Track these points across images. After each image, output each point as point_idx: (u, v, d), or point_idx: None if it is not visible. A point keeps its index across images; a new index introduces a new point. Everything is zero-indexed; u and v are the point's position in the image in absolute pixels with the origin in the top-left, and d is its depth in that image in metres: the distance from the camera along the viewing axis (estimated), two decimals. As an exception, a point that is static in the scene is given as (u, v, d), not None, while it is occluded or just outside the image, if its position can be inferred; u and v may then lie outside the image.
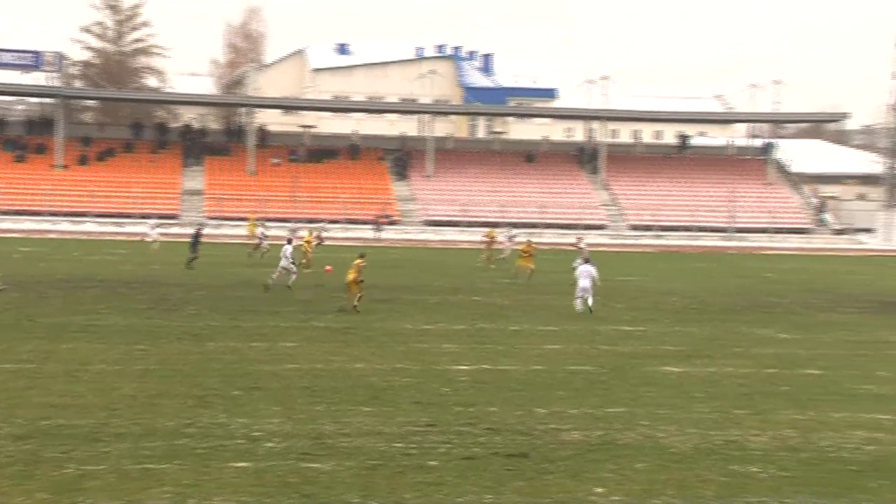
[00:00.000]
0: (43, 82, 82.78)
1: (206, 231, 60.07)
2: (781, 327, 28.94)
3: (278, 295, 32.80)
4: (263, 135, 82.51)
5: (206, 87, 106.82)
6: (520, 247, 39.82)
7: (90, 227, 68.04)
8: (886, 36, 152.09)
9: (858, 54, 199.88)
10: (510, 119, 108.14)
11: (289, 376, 19.84)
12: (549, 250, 50.39)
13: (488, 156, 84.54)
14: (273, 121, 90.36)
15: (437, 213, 76.03)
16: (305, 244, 42.57)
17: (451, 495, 13.05)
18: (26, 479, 13.07)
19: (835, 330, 28.81)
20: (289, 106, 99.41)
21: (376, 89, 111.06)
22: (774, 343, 26.14)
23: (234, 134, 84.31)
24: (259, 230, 48.75)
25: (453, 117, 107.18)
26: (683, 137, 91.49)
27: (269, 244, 46.44)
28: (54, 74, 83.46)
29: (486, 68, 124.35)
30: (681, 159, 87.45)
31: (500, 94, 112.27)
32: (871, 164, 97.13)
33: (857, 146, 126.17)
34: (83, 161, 77.45)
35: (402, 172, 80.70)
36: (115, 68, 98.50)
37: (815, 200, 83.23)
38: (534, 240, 44.43)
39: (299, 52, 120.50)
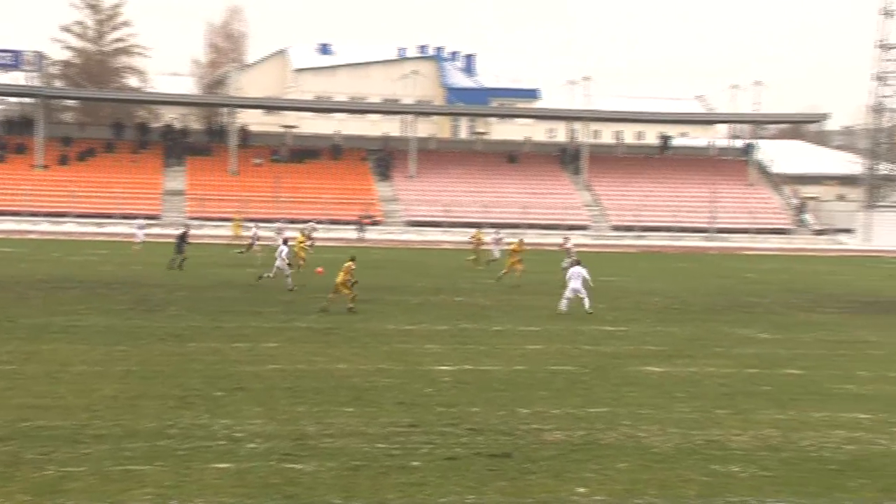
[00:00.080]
0: (23, 82, 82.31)
1: (194, 231, 60.07)
2: (762, 327, 29.08)
3: (260, 295, 32.72)
4: (245, 135, 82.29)
5: (188, 87, 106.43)
6: (510, 247, 39.65)
7: (71, 227, 67.71)
8: (866, 37, 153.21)
9: (838, 55, 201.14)
10: (492, 119, 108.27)
11: (271, 377, 19.79)
12: (532, 250, 50.38)
13: (471, 156, 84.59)
14: (255, 121, 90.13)
15: (420, 213, 76.03)
16: (298, 245, 42.33)
17: (434, 496, 13.05)
18: (6, 481, 12.99)
19: (815, 330, 28.97)
20: (271, 106, 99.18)
21: (358, 89, 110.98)
22: (755, 343, 26.26)
23: (216, 134, 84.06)
24: (253, 231, 48.47)
25: (436, 118, 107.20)
26: (665, 138, 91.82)
27: (262, 245, 46.28)
28: (34, 74, 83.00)
29: (469, 69, 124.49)
30: (662, 160, 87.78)
31: (482, 95, 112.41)
32: (851, 164, 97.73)
33: (837, 147, 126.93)
34: (63, 161, 77.03)
35: (384, 173, 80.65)
36: (96, 68, 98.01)
37: (795, 201, 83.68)
38: (524, 240, 44.38)
39: (281, 52, 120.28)
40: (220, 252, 49.94)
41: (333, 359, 21.88)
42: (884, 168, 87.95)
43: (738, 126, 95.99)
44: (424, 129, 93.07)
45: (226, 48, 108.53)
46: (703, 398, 19.10)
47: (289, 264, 34.71)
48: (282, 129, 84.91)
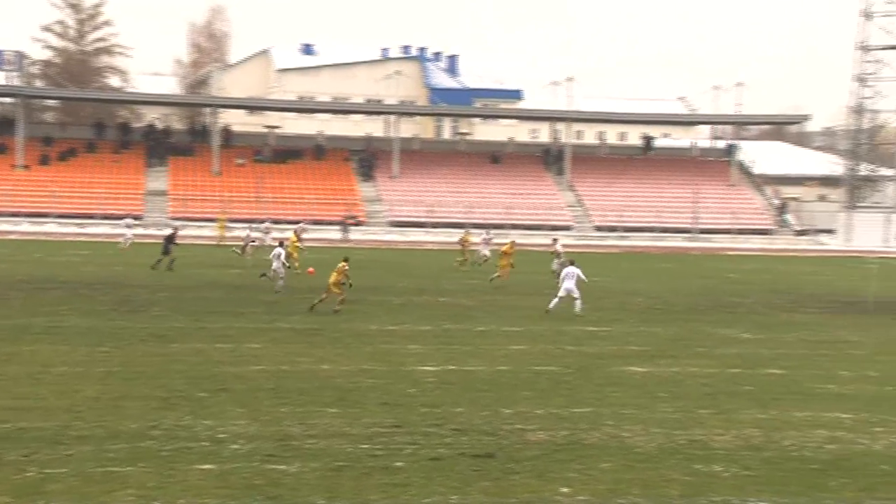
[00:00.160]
0: (3, 82, 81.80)
1: (168, 232, 59.81)
2: (744, 327, 29.21)
3: (244, 296, 32.65)
4: (228, 135, 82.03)
5: (170, 86, 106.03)
6: (503, 248, 39.56)
7: (52, 227, 67.31)
8: (846, 38, 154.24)
9: (819, 57, 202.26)
10: (476, 120, 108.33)
11: (254, 378, 19.75)
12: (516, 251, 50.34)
13: (454, 157, 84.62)
14: (238, 121, 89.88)
15: (403, 214, 76.01)
16: (292, 245, 42.14)
17: (418, 496, 13.05)
18: (-13, 483, 12.91)
19: (797, 330, 29.12)
20: (253, 106, 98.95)
21: (342, 90, 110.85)
22: (737, 343, 26.38)
23: (199, 134, 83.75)
24: (247, 233, 48.16)
25: (419, 118, 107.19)
26: (648, 139, 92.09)
27: (255, 246, 46.02)
28: (14, 74, 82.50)
29: (452, 69, 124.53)
30: (645, 160, 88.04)
31: (465, 95, 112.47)
32: (832, 165, 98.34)
33: (818, 148, 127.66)
34: (44, 161, 76.58)
35: (367, 173, 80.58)
36: (77, 67, 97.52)
37: (776, 202, 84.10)
38: (516, 241, 44.31)
39: (264, 53, 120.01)
40: (204, 252, 49.76)
41: (317, 359, 21.86)
42: (864, 169, 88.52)
43: (721, 127, 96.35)
44: (408, 129, 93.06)
45: (208, 48, 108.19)
46: (686, 398, 19.17)
47: (288, 266, 34.68)
48: (265, 130, 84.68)
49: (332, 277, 29.11)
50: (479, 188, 79.90)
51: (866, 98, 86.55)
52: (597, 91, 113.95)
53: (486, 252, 46.97)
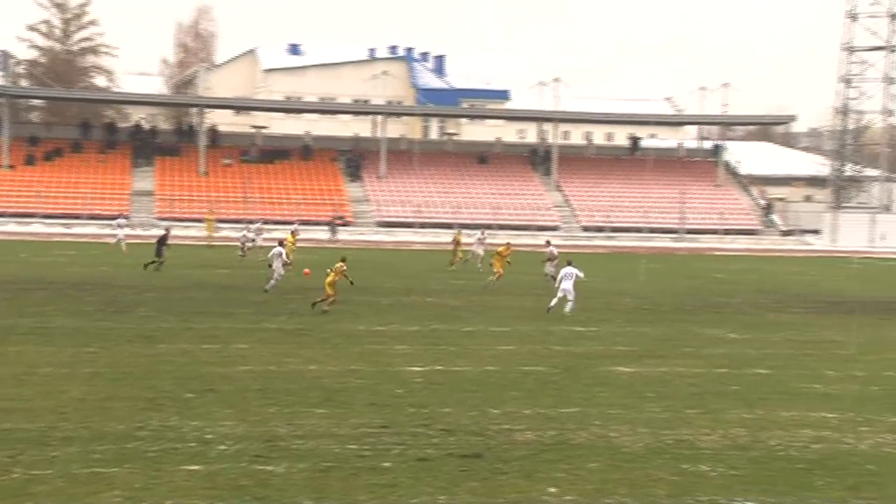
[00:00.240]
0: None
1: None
2: (731, 327, 29.30)
3: (231, 296, 32.59)
4: (215, 135, 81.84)
5: (156, 86, 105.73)
6: (499, 248, 39.43)
7: (38, 228, 67.03)
8: (832, 39, 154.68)
9: (804, 58, 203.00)
10: (463, 120, 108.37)
11: (241, 378, 19.70)
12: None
13: (441, 157, 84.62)
14: (224, 121, 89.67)
15: (391, 214, 75.98)
16: (288, 246, 41.96)
17: (406, 497, 13.04)
18: (-28, 485, 12.85)
19: (783, 330, 29.22)
20: (240, 106, 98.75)
21: (329, 90, 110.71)
22: (724, 343, 26.46)
23: (185, 134, 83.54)
24: (243, 233, 47.90)
25: (406, 118, 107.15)
26: (634, 139, 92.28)
27: (251, 245, 45.78)
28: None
29: (439, 69, 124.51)
30: (632, 161, 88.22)
31: (452, 96, 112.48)
32: (818, 166, 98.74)
33: (804, 148, 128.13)
34: (30, 161, 76.25)
35: (354, 173, 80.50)
36: (63, 67, 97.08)
37: (762, 202, 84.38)
38: (512, 241, 44.22)
39: (251, 52, 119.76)
40: (191, 253, 49.61)
41: (304, 360, 21.82)
42: (850, 170, 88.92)
43: (707, 127, 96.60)
44: (395, 129, 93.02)
45: (195, 48, 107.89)
46: (673, 398, 19.21)
47: (287, 264, 34.65)
48: (252, 130, 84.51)
49: (329, 277, 29.14)
50: (466, 188, 79.93)
51: (852, 99, 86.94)
52: (584, 91, 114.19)
53: (480, 252, 46.72)
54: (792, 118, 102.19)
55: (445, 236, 69.90)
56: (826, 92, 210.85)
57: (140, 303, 30.32)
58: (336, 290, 29.18)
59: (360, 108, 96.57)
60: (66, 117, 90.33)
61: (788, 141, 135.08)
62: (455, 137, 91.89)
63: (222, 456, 14.41)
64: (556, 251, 39.19)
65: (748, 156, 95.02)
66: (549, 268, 38.41)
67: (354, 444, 15.19)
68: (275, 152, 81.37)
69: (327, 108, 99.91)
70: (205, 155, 77.73)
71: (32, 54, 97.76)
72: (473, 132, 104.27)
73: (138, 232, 61.26)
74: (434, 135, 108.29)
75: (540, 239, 60.74)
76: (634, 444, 15.75)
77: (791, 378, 21.62)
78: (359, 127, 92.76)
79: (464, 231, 55.03)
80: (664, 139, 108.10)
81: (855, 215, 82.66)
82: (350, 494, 13.05)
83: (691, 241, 75.16)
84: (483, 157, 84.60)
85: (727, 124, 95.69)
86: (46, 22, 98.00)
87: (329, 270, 29.58)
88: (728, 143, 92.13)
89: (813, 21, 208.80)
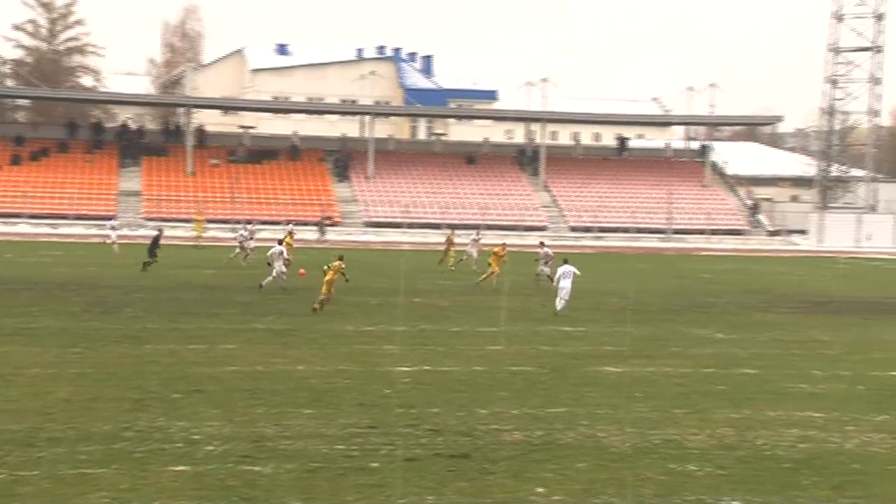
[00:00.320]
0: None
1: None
2: (718, 327, 29.37)
3: (218, 296, 32.51)
4: (202, 135, 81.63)
5: (143, 86, 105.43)
6: (495, 249, 39.35)
7: (24, 228, 66.74)
8: (818, 40, 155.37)
9: (791, 58, 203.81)
10: (451, 120, 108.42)
11: (229, 379, 19.66)
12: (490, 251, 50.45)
13: (429, 157, 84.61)
14: (212, 121, 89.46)
15: (379, 214, 75.94)
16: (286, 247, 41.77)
17: (393, 497, 13.03)
18: (-42, 486, 12.78)
19: (770, 330, 29.31)
20: (228, 106, 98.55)
21: (316, 90, 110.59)
22: (711, 343, 26.53)
23: (172, 134, 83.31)
24: (240, 233, 47.56)
25: (394, 118, 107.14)
26: (622, 139, 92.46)
27: (249, 246, 45.42)
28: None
29: (427, 70, 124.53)
30: (620, 161, 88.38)
31: (440, 96, 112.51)
32: (804, 166, 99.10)
33: (791, 149, 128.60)
34: (16, 161, 75.90)
35: (342, 174, 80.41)
36: (49, 67, 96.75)
37: (748, 202, 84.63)
38: (508, 242, 44.15)
39: (238, 52, 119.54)
40: (178, 253, 49.44)
41: (292, 360, 21.79)
42: (836, 170, 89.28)
43: (694, 128, 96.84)
44: (383, 129, 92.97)
45: (182, 48, 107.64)
46: (661, 398, 19.25)
47: (287, 262, 34.61)
48: (239, 130, 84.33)
49: (328, 275, 29.17)
50: (454, 188, 79.94)
51: (838, 99, 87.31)
52: (572, 92, 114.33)
53: (475, 253, 46.44)
54: (778, 119, 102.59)
55: (434, 236, 70.05)
56: (812, 92, 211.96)
57: (126, 303, 30.22)
58: (334, 290, 29.22)
59: (347, 109, 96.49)
60: (53, 117, 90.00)
61: (775, 141, 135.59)
62: (443, 138, 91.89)
63: (209, 456, 14.37)
64: (550, 251, 39.19)
65: (735, 156, 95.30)
66: (542, 268, 38.34)
67: (342, 445, 15.16)
68: (262, 152, 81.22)
69: (315, 109, 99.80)
70: (192, 155, 77.53)
71: (18, 54, 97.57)
72: (461, 132, 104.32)
73: (124, 232, 60.96)
74: (422, 135, 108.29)
75: (528, 239, 60.89)
76: (622, 444, 15.77)
77: (778, 378, 21.68)
78: (346, 127, 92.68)
79: (457, 231, 54.95)
80: (651, 139, 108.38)
81: (841, 215, 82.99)
82: (338, 495, 13.03)
83: (678, 241, 75.33)
84: (471, 158, 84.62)
85: (714, 125, 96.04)
86: (32, 21, 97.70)
87: (326, 268, 29.58)
88: (715, 144, 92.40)
89: (799, 22, 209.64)
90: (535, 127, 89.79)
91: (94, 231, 64.70)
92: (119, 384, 18.84)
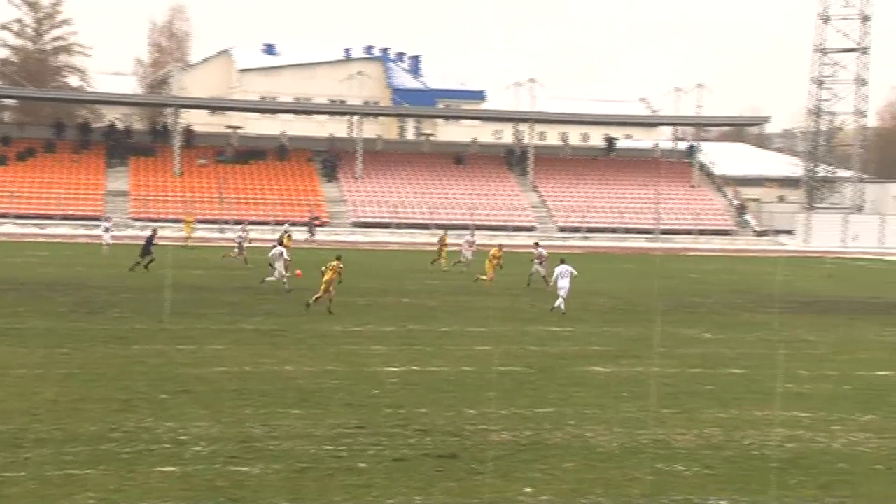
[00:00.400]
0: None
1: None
2: (706, 327, 29.45)
3: (206, 297, 32.43)
4: (189, 135, 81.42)
5: (131, 86, 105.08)
6: (492, 250, 39.27)
7: (10, 228, 66.45)
8: (805, 41, 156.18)
9: (778, 59, 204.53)
10: (439, 121, 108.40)
11: (217, 379, 19.62)
12: (481, 252, 50.45)
13: (417, 157, 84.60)
14: (199, 121, 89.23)
15: (367, 214, 75.89)
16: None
17: (381, 497, 13.03)
18: (-56, 488, 12.72)
19: (757, 329, 29.40)
20: (215, 106, 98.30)
21: (304, 90, 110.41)
22: (699, 343, 26.60)
23: (160, 134, 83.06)
24: (239, 234, 47.24)
25: (382, 119, 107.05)
26: (610, 140, 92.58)
27: (243, 248, 45.16)
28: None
29: (415, 70, 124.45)
30: (607, 161, 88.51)
31: (428, 96, 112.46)
32: (791, 167, 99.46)
33: (778, 149, 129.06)
34: (2, 161, 75.56)
35: (330, 174, 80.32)
36: (36, 66, 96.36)
37: (735, 202, 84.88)
38: (504, 243, 44.12)
39: (226, 52, 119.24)
40: (165, 253, 49.24)
41: (280, 360, 21.76)
42: (822, 170, 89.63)
43: (682, 128, 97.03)
44: (371, 130, 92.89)
45: (169, 47, 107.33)
46: (648, 398, 19.28)
47: (288, 261, 34.60)
48: (227, 130, 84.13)
49: (327, 275, 29.16)
50: (442, 189, 79.94)
51: (824, 100, 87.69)
52: (560, 92, 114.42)
53: (469, 254, 46.29)
54: (765, 119, 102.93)
55: (422, 236, 70.08)
56: (799, 93, 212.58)
57: (114, 304, 30.13)
58: (333, 290, 29.25)
59: (335, 109, 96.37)
60: (39, 117, 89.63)
61: (762, 142, 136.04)
62: (431, 138, 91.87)
63: (197, 457, 14.34)
64: (544, 252, 39.20)
65: (722, 157, 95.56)
66: (537, 268, 38.29)
67: (330, 445, 15.15)
68: (250, 152, 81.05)
69: (303, 109, 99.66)
70: (179, 155, 77.32)
71: (4, 53, 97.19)
72: (449, 132, 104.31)
73: (112, 232, 60.71)
74: (410, 135, 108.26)
75: (516, 239, 60.91)
76: (610, 444, 15.80)
77: (765, 378, 21.75)
78: (334, 127, 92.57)
79: (449, 232, 54.88)
80: (639, 140, 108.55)
81: (827, 216, 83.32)
82: (326, 495, 13.02)
83: (666, 241, 75.48)
84: (459, 158, 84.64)
85: (701, 125, 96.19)
86: (19, 21, 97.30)
87: (325, 269, 29.59)
88: (703, 144, 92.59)
89: (786, 23, 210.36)
90: (524, 127, 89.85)
91: (80, 231, 64.56)
92: (106, 385, 18.78)
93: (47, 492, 12.72)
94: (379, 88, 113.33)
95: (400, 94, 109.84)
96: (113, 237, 51.20)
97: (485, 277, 37.81)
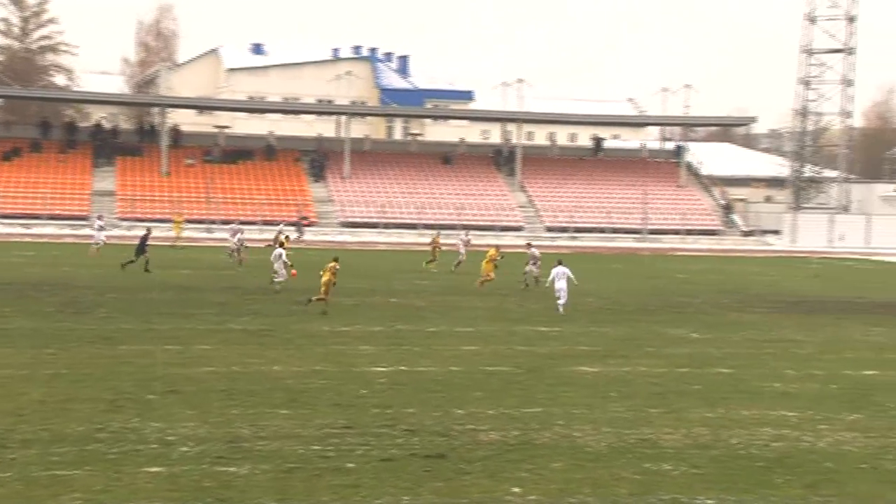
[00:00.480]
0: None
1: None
2: (693, 327, 29.52)
3: (193, 297, 32.35)
4: (177, 135, 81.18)
5: (117, 86, 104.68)
6: (489, 251, 39.21)
7: (-4, 228, 66.16)
8: (791, 42, 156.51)
9: (765, 60, 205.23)
10: (427, 121, 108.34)
11: (204, 379, 19.57)
12: (470, 252, 50.49)
13: (405, 157, 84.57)
14: (187, 121, 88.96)
15: (355, 214, 75.82)
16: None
17: (369, 497, 13.02)
18: (-71, 489, 12.66)
19: (744, 329, 29.50)
20: (203, 106, 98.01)
21: (292, 90, 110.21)
22: (686, 343, 26.66)
23: (147, 134, 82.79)
24: (237, 235, 47.00)
25: (370, 119, 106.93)
26: (597, 140, 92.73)
27: (241, 249, 44.86)
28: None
29: (403, 70, 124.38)
30: (595, 161, 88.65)
31: (416, 96, 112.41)
32: (778, 167, 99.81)
33: (764, 150, 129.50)
34: (-12, 160, 75.23)
35: (318, 174, 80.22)
36: (22, 65, 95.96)
37: (722, 202, 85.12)
38: (496, 243, 44.03)
39: (213, 52, 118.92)
40: (153, 253, 49.09)
41: (268, 361, 21.72)
42: (809, 171, 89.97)
43: (669, 128, 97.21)
44: (359, 129, 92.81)
45: (156, 47, 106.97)
46: (636, 397, 19.34)
47: (289, 265, 34.58)
48: (214, 130, 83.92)
49: (325, 277, 29.17)
50: (430, 189, 79.93)
51: (811, 101, 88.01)
52: (547, 92, 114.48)
53: (463, 254, 46.10)
54: (752, 120, 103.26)
55: (409, 236, 70.06)
56: (786, 94, 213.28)
57: (100, 304, 30.03)
58: (330, 291, 29.28)
59: (323, 109, 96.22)
60: (26, 116, 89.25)
61: (749, 142, 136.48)
62: (419, 138, 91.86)
63: (184, 457, 14.31)
64: (537, 252, 39.17)
65: (710, 157, 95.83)
66: (531, 268, 38.25)
67: (318, 445, 15.14)
68: (238, 152, 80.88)
69: (291, 108, 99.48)
70: (167, 155, 77.11)
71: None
72: (437, 133, 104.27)
73: (106, 232, 60.50)
74: (398, 135, 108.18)
75: (504, 239, 60.87)
76: (598, 444, 15.83)
77: (752, 377, 21.83)
78: (322, 127, 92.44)
79: (442, 232, 54.83)
80: (627, 140, 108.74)
81: (814, 216, 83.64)
82: (313, 495, 13.01)
83: (654, 241, 75.64)
84: (447, 158, 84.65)
85: (689, 125, 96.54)
86: (5, 20, 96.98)
87: (322, 271, 29.60)
88: (690, 145, 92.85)
89: (772, 24, 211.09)
90: (511, 127, 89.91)
91: (67, 231, 64.31)
92: (93, 385, 18.72)
93: (33, 493, 12.67)
94: (367, 88, 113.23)
95: (388, 94, 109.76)
96: (107, 236, 51.03)
97: (485, 279, 37.54)
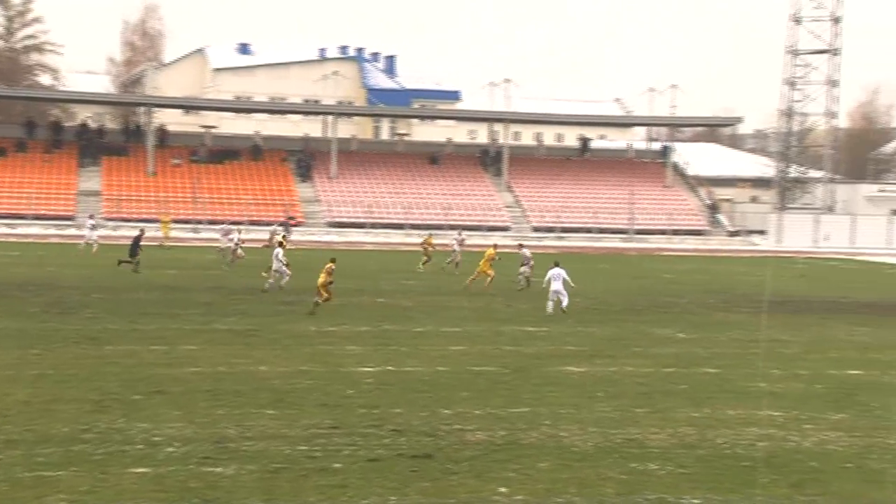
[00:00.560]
0: (-71, 78, 79.73)
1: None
2: (679, 327, 29.60)
3: (179, 297, 32.25)
4: (163, 135, 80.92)
5: (103, 85, 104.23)
6: (488, 251, 39.14)
7: (-20, 228, 65.83)
8: (777, 42, 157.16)
9: (750, 60, 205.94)
10: (414, 121, 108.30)
11: (190, 380, 19.52)
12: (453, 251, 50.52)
13: (392, 157, 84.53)
14: (173, 121, 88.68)
15: (342, 214, 75.74)
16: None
17: (356, 497, 13.01)
18: (-87, 490, 12.59)
19: (730, 329, 29.59)
20: (189, 106, 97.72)
21: (279, 90, 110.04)
22: (673, 342, 26.73)
23: (133, 134, 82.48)
24: (235, 235, 46.70)
25: (357, 119, 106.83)
26: (584, 140, 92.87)
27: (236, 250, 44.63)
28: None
29: (390, 70, 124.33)
30: (582, 162, 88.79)
31: (403, 96, 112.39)
32: (763, 167, 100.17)
33: (750, 150, 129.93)
34: (-27, 160, 74.84)
35: (305, 174, 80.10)
36: (6, 65, 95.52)
37: (708, 202, 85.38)
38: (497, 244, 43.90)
39: (199, 52, 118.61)
40: (143, 254, 48.93)
41: (254, 361, 21.68)
42: (794, 171, 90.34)
43: (655, 129, 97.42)
44: (345, 129, 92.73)
45: (142, 46, 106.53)
46: (623, 397, 19.38)
47: (287, 264, 34.53)
48: (201, 130, 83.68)
49: (321, 278, 29.17)
50: (417, 189, 79.91)
51: (796, 101, 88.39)
52: (534, 92, 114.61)
53: (458, 254, 45.96)
54: (738, 120, 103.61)
55: (396, 237, 70.03)
56: (771, 94, 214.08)
57: (86, 304, 29.91)
58: (325, 292, 29.24)
59: (310, 109, 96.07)
60: (11, 116, 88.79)
61: (735, 142, 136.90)
62: (406, 138, 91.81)
63: (170, 458, 14.28)
64: (528, 253, 39.13)
65: (696, 157, 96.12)
66: (524, 269, 38.21)
67: (304, 446, 15.12)
68: (224, 152, 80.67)
69: (277, 108, 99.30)
70: (153, 155, 76.85)
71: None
72: (424, 133, 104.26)
73: (83, 232, 60.30)
74: (385, 135, 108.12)
75: (491, 239, 60.80)
76: (584, 444, 15.86)
77: (738, 377, 21.90)
78: (309, 127, 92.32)
79: (434, 232, 54.75)
80: (613, 140, 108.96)
81: (799, 216, 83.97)
82: (300, 496, 12.99)
83: (640, 241, 75.80)
84: (434, 158, 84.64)
85: (675, 126, 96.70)
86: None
87: (321, 273, 29.60)
88: (676, 145, 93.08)
89: (758, 24, 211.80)
90: (498, 127, 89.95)
91: (52, 231, 64.04)
92: (79, 386, 18.65)
93: (18, 494, 12.62)
94: (354, 88, 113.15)
95: (375, 94, 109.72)
96: (98, 236, 50.88)
97: (488, 280, 37.40)
